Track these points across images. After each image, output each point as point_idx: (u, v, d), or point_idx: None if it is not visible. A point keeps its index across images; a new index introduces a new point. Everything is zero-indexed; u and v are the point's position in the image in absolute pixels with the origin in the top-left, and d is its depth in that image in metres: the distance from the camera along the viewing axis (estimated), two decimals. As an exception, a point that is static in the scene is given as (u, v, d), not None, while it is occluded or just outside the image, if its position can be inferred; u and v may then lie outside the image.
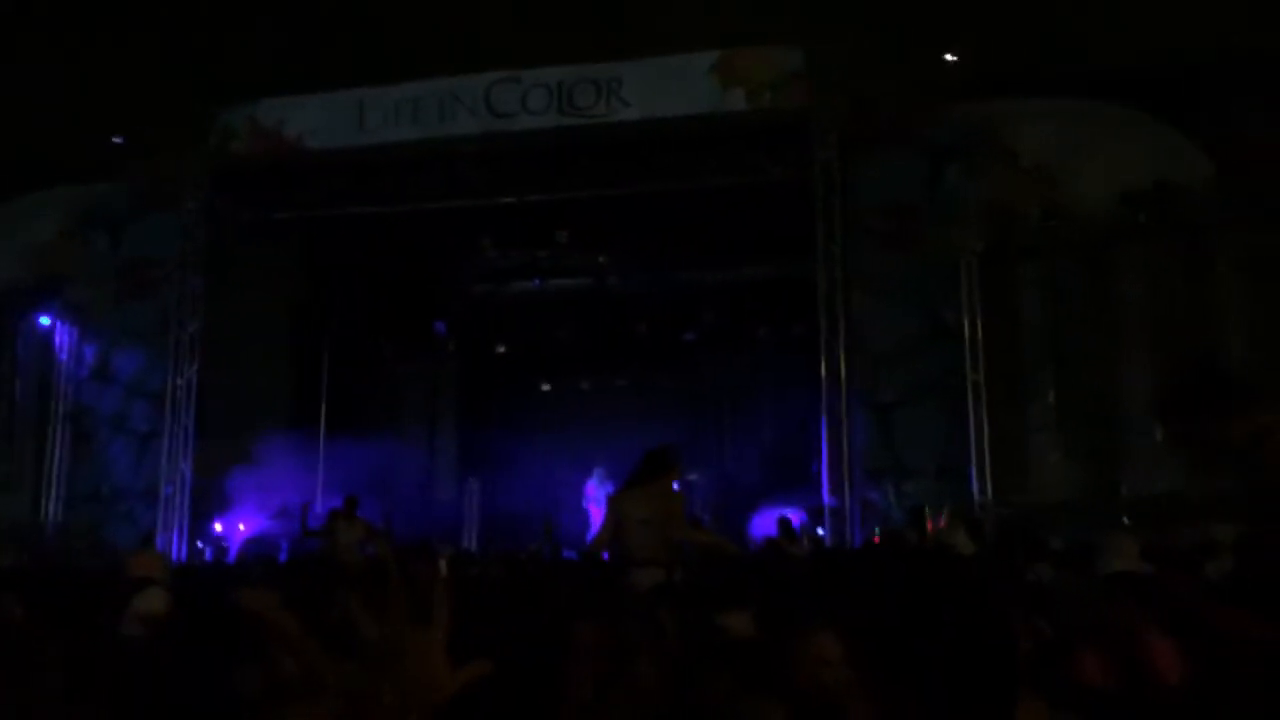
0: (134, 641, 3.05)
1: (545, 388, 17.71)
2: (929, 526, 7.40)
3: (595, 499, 13.70)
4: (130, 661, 2.62)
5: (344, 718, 1.31)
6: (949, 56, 11.54)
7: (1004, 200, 11.32)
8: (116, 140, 13.41)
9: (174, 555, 12.22)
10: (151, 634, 3.11)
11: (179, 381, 12.93)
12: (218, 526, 12.93)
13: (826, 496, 11.34)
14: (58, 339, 13.60)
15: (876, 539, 9.79)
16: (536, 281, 16.07)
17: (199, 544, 12.72)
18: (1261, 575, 2.58)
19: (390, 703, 1.25)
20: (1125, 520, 8.41)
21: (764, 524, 11.95)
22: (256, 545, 12.24)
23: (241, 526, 13.02)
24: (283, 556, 11.17)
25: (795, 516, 11.58)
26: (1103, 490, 10.09)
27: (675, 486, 6.02)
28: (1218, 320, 10.42)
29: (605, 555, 5.76)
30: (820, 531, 11.14)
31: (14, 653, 2.72)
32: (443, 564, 6.09)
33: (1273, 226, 10.31)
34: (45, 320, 13.55)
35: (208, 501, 12.88)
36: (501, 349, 17.43)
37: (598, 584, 5.11)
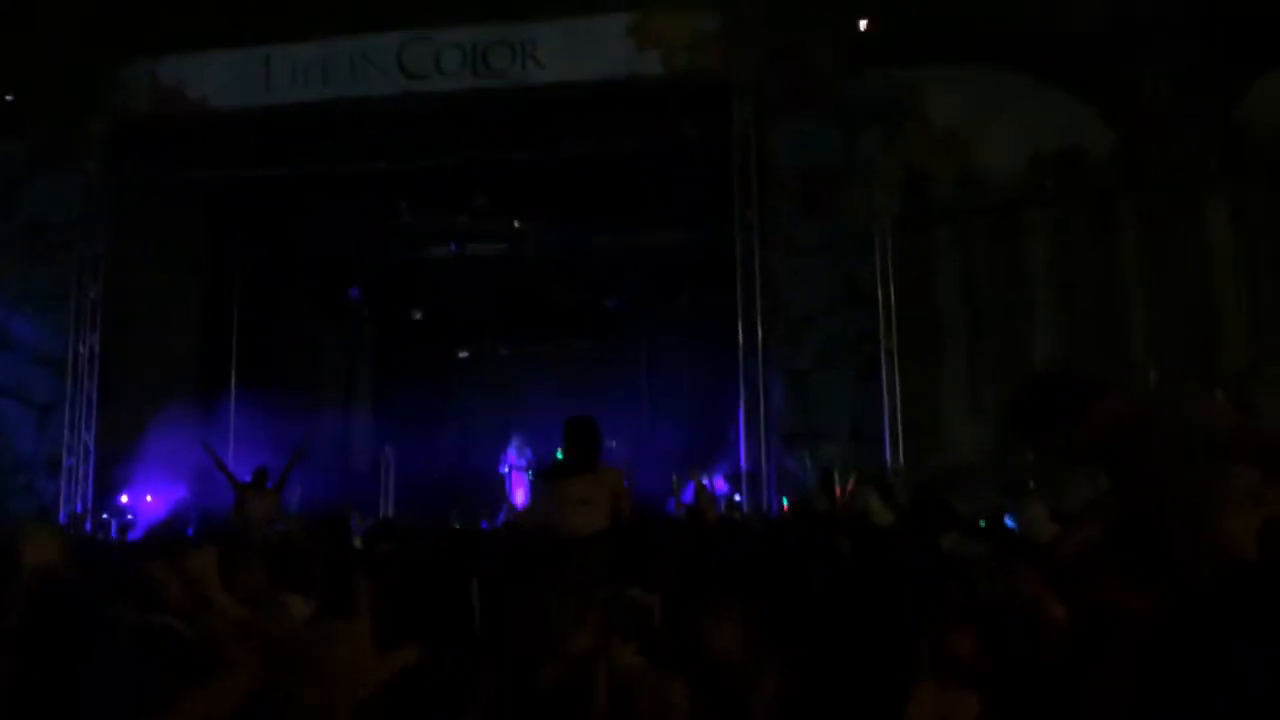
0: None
1: (463, 354, 17.54)
2: (837, 492, 7.47)
3: (515, 466, 13.65)
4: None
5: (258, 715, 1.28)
6: (864, 23, 11.58)
7: (918, 166, 11.46)
8: (8, 99, 12.87)
9: (80, 529, 11.87)
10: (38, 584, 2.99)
11: (81, 349, 12.50)
12: (124, 499, 12.57)
13: (744, 463, 11.43)
14: (-50, 306, 13.02)
15: (785, 508, 9.89)
16: (453, 246, 15.85)
17: (104, 516, 12.35)
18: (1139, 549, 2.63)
19: (312, 701, 1.19)
20: (1031, 484, 8.58)
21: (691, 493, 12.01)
22: (165, 522, 11.93)
23: (149, 498, 12.67)
24: (190, 531, 10.90)
25: (719, 485, 11.65)
26: (1012, 453, 10.32)
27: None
28: (1121, 281, 10.72)
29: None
30: (737, 498, 11.22)
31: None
32: (357, 540, 5.91)
33: (1170, 191, 10.62)
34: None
35: (113, 473, 12.51)
36: (418, 315, 17.19)
37: (543, 559, 4.95)
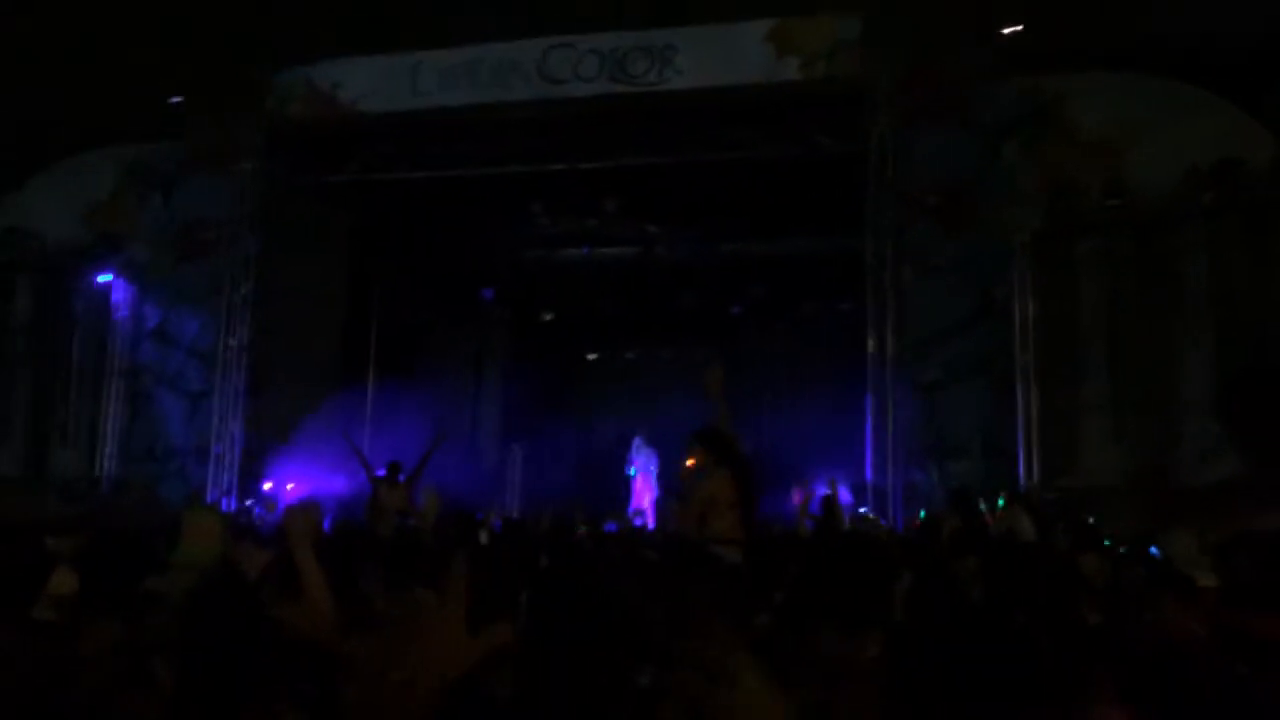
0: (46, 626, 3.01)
1: (591, 356, 17.74)
2: (987, 517, 7.23)
3: (641, 469, 13.73)
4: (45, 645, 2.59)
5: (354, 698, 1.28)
6: (1007, 30, 11.27)
7: (1062, 177, 11.09)
8: (174, 100, 13.52)
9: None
10: (63, 617, 3.07)
11: (231, 342, 13.12)
12: (267, 485, 13.14)
13: (870, 475, 11.27)
14: (114, 297, 13.82)
15: (918, 523, 9.69)
16: (585, 249, 16.05)
17: (248, 502, 12.94)
18: None
19: (399, 678, 1.21)
20: (1174, 510, 8.24)
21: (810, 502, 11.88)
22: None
23: (291, 486, 13.22)
24: (328, 520, 11.31)
25: (843, 495, 11.51)
26: (1153, 477, 9.91)
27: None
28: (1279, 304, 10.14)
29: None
30: (864, 510, 11.06)
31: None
32: (483, 534, 6.00)
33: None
34: (103, 278, 13.75)
35: (258, 461, 13.10)
36: (549, 316, 17.46)
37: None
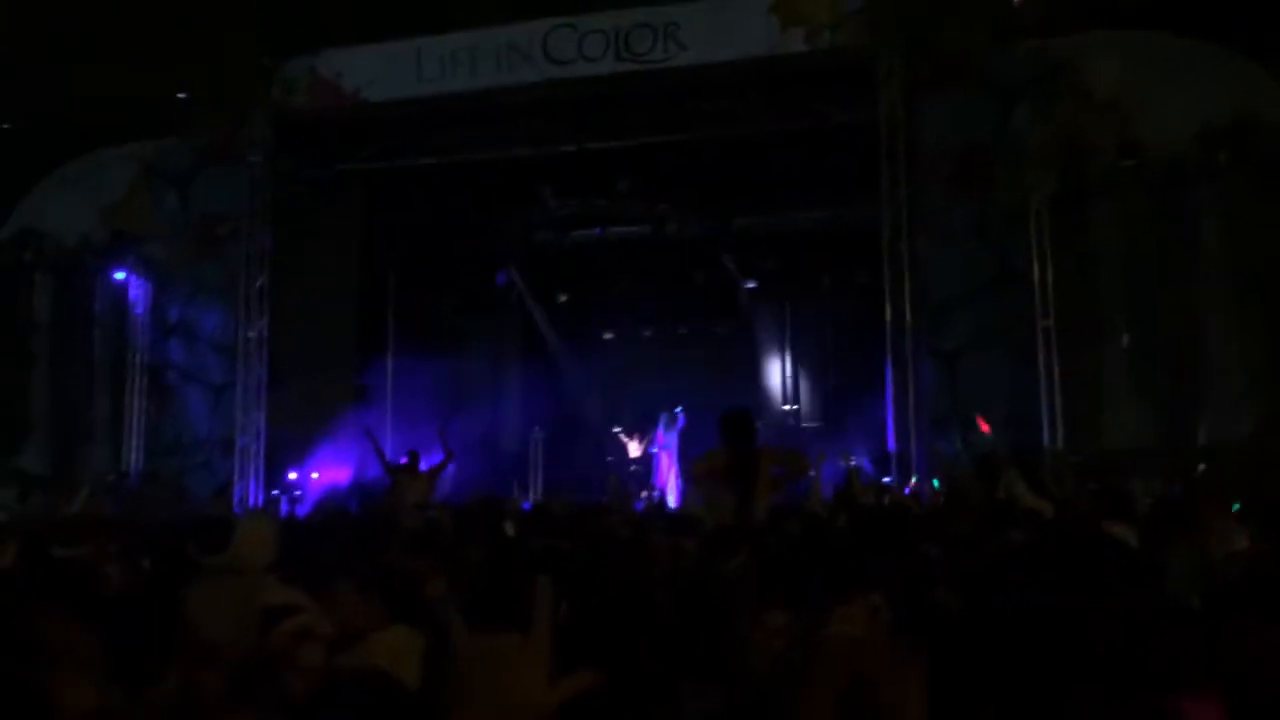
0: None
1: (607, 336, 17.75)
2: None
3: (664, 445, 13.74)
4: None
5: None
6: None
7: (1076, 139, 10.99)
8: (181, 96, 13.55)
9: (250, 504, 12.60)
10: None
11: (249, 334, 13.19)
12: (292, 475, 13.24)
13: (892, 445, 11.27)
14: (132, 293, 13.91)
15: (939, 495, 9.68)
16: (598, 230, 16.03)
17: (274, 493, 13.05)
18: None
19: None
20: (1200, 467, 8.21)
21: (830, 473, 11.89)
22: (329, 499, 12.50)
23: (315, 475, 13.32)
24: (354, 506, 11.39)
25: (864, 467, 11.50)
26: (1179, 438, 9.87)
27: None
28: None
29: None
30: (887, 480, 11.06)
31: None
32: (508, 525, 5.93)
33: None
34: (120, 275, 13.83)
35: (282, 451, 13.19)
36: (564, 298, 17.46)
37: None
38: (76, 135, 13.85)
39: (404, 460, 11.38)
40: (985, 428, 10.08)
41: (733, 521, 5.27)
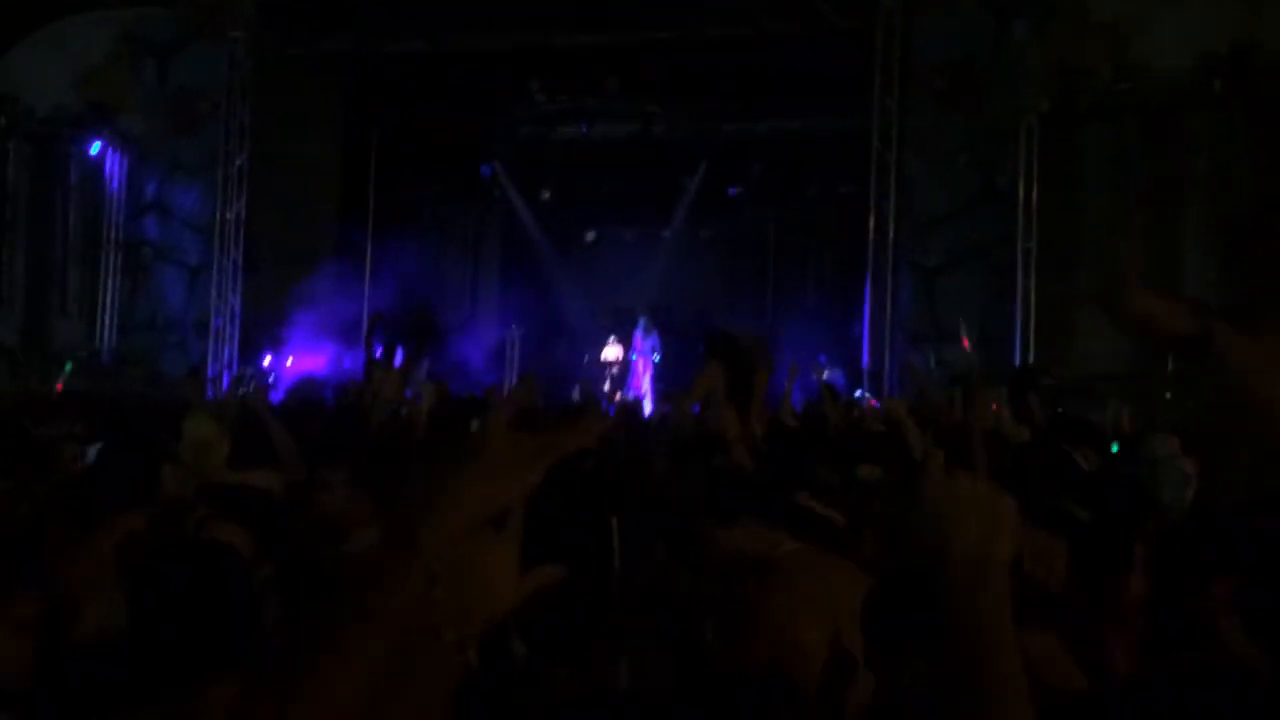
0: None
1: (589, 236, 17.62)
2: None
3: (641, 350, 13.77)
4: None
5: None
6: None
7: (1071, 60, 10.85)
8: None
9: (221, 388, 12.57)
10: None
11: (228, 215, 13.02)
12: (267, 360, 13.19)
13: (866, 359, 11.35)
14: (108, 167, 13.64)
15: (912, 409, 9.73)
16: (584, 127, 15.79)
17: (248, 371, 13.00)
18: None
19: (448, 611, 1.08)
20: (1168, 396, 8.32)
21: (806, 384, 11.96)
22: (304, 384, 12.48)
23: (290, 361, 13.27)
24: (329, 394, 11.39)
25: (837, 380, 11.58)
26: (1150, 365, 9.95)
27: None
28: (1283, 194, 10.03)
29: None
30: (859, 394, 11.15)
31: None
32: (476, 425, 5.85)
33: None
34: (95, 148, 13.54)
35: (258, 335, 13.13)
36: (546, 195, 17.27)
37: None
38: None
39: (378, 353, 11.37)
40: (966, 343, 10.15)
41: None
